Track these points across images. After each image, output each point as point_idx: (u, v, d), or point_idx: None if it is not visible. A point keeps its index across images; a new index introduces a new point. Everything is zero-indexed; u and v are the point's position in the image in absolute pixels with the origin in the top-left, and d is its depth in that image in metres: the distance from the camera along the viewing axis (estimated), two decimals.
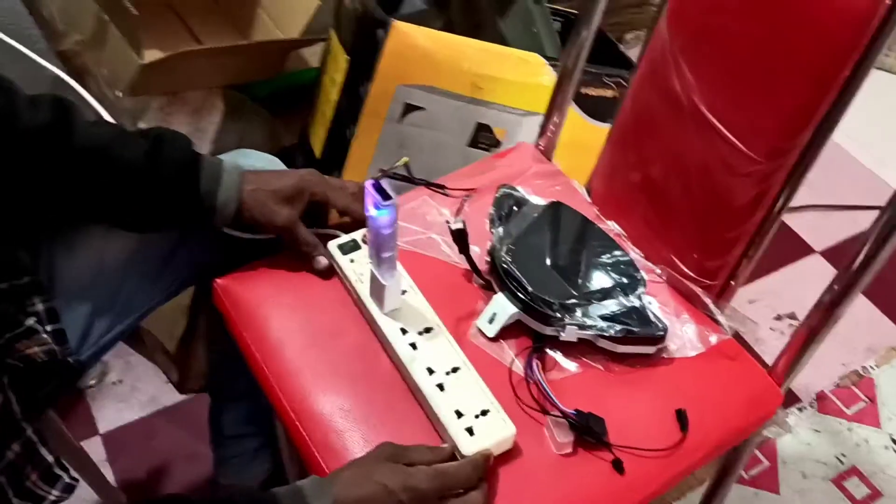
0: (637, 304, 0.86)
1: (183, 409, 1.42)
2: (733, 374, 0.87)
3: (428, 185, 0.93)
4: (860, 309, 1.60)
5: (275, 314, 0.88)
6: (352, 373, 0.84)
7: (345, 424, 0.80)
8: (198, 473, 1.33)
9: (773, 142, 0.78)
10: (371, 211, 0.77)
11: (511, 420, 0.78)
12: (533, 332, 0.88)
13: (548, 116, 1.06)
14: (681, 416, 0.83)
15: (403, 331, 0.84)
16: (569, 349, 0.87)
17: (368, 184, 0.76)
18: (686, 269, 0.91)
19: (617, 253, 0.90)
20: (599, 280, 0.88)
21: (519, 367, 0.85)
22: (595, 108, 1.31)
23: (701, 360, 0.87)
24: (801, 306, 1.56)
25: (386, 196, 0.75)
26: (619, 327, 0.84)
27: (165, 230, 0.87)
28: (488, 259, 0.91)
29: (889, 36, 0.69)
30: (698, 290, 0.90)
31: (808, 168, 0.78)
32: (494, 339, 0.87)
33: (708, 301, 0.89)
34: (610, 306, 0.86)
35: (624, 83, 1.33)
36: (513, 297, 0.87)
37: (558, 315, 0.85)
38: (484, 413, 0.79)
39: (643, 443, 0.80)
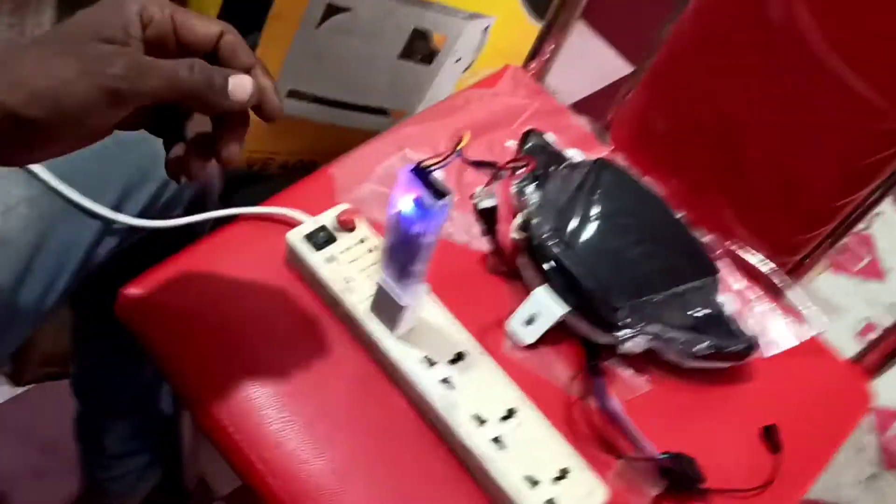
0: (716, 308, 0.66)
1: (21, 407, 1.08)
2: (821, 376, 0.71)
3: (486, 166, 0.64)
4: None
5: (229, 343, 0.60)
6: (367, 427, 0.59)
7: None
8: (52, 496, 1.02)
9: None
10: (407, 209, 0.50)
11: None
12: (580, 338, 0.66)
13: (547, 31, 0.80)
14: (770, 435, 0.66)
15: (429, 361, 0.59)
16: (629, 361, 0.66)
17: (406, 172, 0.49)
18: (753, 241, 0.72)
19: (687, 236, 0.70)
20: (671, 274, 0.67)
21: (568, 385, 0.64)
22: (540, 4, 1.07)
23: (784, 361, 0.69)
24: None
25: (438, 192, 0.49)
26: (706, 343, 0.64)
27: None
28: (516, 237, 0.67)
29: None
30: (771, 272, 0.72)
31: None
32: (532, 347, 0.65)
33: (787, 285, 0.71)
34: (686, 311, 0.65)
35: None
36: (561, 294, 0.64)
37: (627, 321, 0.64)
38: (564, 474, 0.57)
39: (738, 479, 0.63)
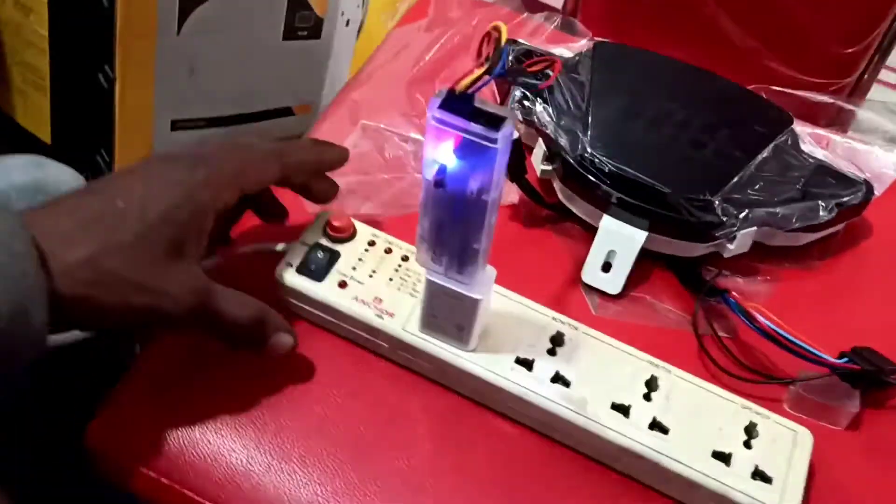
0: (812, 161, 0.53)
1: None
2: None
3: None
4: None
5: (266, 450, 0.42)
6: (484, 480, 0.42)
7: None
8: None
9: None
10: (448, 160, 0.34)
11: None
12: (668, 262, 0.52)
13: None
14: None
15: (525, 363, 0.44)
16: (736, 266, 0.52)
17: (435, 108, 0.33)
18: (795, 76, 0.59)
19: (735, 93, 0.56)
20: (745, 142, 0.53)
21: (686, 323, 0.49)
22: None
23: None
24: None
25: (493, 119, 0.33)
26: (825, 203, 0.50)
27: None
28: (546, 169, 0.52)
29: None
30: (833, 99, 0.59)
31: None
32: (621, 297, 0.51)
33: (854, 109, 0.58)
34: (782, 177, 0.52)
35: None
36: (632, 214, 0.50)
37: (725, 216, 0.49)
38: (751, 432, 0.43)
39: None
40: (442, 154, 0.34)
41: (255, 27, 0.79)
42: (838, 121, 0.60)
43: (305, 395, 0.44)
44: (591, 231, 0.52)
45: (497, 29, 0.33)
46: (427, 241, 0.39)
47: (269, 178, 0.43)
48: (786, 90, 0.59)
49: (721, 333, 0.49)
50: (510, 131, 0.33)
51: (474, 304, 0.41)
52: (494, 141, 0.32)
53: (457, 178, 0.35)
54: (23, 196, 0.52)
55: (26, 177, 0.53)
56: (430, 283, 0.41)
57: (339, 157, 0.47)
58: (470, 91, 0.33)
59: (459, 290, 0.40)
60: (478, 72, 0.32)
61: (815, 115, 0.60)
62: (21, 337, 0.33)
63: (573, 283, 0.51)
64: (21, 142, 0.79)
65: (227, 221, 0.46)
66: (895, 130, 0.57)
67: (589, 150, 0.50)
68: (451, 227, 0.37)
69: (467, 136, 0.33)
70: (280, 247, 0.47)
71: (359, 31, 0.93)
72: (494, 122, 0.33)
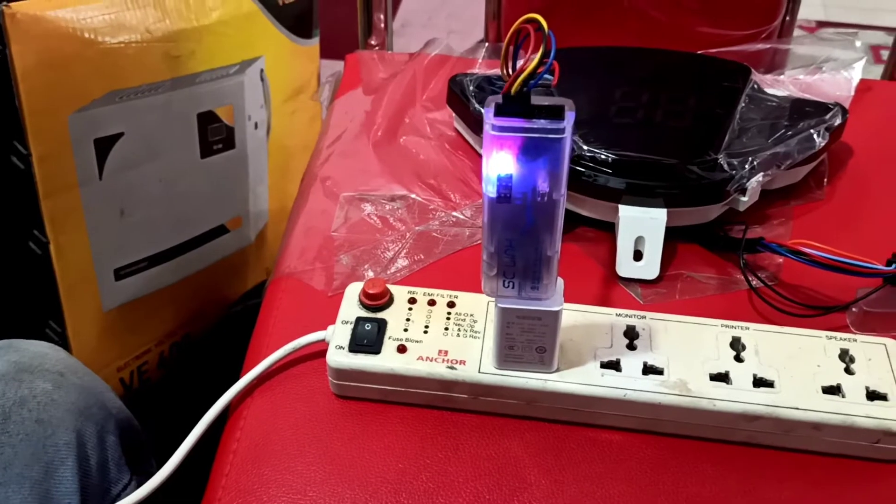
0: (782, 100, 0.55)
1: None
2: None
3: None
4: None
5: None
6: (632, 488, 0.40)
7: None
8: None
9: None
10: (511, 167, 0.33)
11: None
12: (689, 233, 0.52)
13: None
14: None
15: (611, 366, 0.42)
16: (749, 219, 0.53)
17: (490, 118, 0.32)
18: (721, 31, 0.61)
19: (686, 59, 0.57)
20: (714, 99, 0.54)
21: (733, 284, 0.49)
22: (296, 20, 0.91)
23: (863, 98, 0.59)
24: None
25: (553, 111, 0.32)
26: (813, 131, 0.52)
27: None
28: None
29: None
30: (764, 45, 0.61)
31: None
32: (658, 280, 0.50)
33: (795, 41, 0.61)
34: (762, 122, 0.53)
35: None
36: (647, 196, 0.49)
37: (732, 172, 0.50)
38: (847, 359, 0.42)
39: None
40: (504, 164, 0.33)
41: (174, 152, 0.76)
42: (775, 64, 0.63)
43: (403, 475, 0.41)
44: (603, 229, 0.52)
45: (533, 19, 0.32)
46: (496, 266, 0.37)
47: None
48: (724, 49, 0.61)
49: (767, 282, 0.49)
50: (573, 116, 0.32)
51: (555, 317, 0.39)
52: (562, 131, 0.31)
53: (524, 185, 0.33)
54: (11, 385, 0.47)
55: (2, 365, 0.48)
56: (502, 313, 0.39)
57: None
58: (525, 89, 0.31)
59: (537, 307, 0.38)
60: (531, 65, 0.31)
61: (754, 64, 0.62)
62: None
63: (609, 281, 0.50)
64: None
65: None
66: (835, 54, 0.60)
67: (586, 147, 0.50)
68: (521, 241, 0.36)
69: (533, 135, 0.32)
70: (310, 339, 0.44)
71: (268, 131, 0.91)
72: (555, 113, 0.32)
